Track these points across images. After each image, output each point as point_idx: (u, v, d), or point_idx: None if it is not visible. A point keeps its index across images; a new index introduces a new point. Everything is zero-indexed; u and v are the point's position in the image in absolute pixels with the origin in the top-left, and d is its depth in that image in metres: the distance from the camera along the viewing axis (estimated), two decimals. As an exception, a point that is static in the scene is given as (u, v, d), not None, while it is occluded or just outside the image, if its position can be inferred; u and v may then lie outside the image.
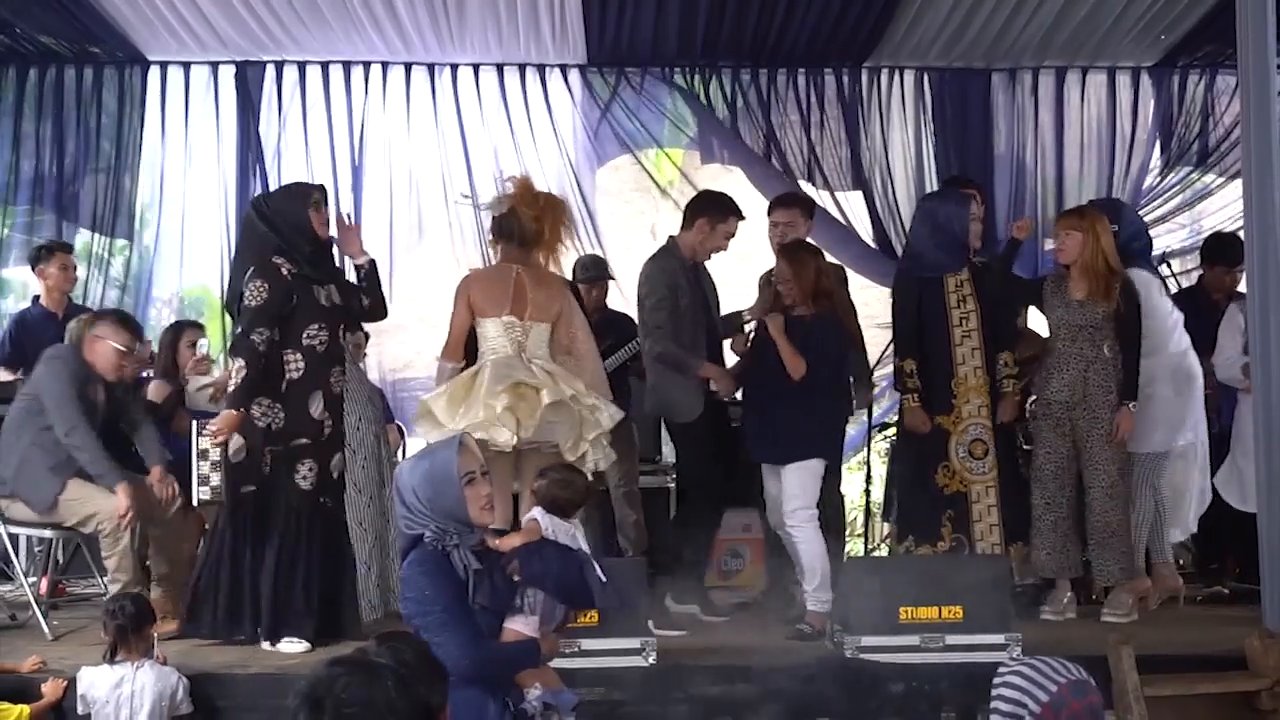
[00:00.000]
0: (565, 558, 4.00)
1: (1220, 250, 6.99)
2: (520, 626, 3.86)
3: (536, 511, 4.14)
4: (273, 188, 8.18)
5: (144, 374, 6.73)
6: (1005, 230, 8.39)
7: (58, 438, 5.71)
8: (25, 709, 4.80)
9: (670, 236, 6.39)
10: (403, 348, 8.25)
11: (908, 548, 6.08)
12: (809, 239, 6.63)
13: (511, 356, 5.49)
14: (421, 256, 8.27)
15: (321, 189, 5.93)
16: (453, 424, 5.23)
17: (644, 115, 8.45)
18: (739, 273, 7.08)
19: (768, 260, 6.55)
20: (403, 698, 2.34)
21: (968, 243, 6.11)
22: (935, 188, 8.40)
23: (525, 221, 5.61)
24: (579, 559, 4.03)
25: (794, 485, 5.86)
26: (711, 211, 6.26)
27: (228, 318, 7.84)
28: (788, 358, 5.81)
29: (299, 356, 5.52)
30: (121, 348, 5.91)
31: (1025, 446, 6.62)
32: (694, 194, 6.98)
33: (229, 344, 5.47)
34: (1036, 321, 6.87)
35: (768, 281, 6.43)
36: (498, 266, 5.73)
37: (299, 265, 5.55)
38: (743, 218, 6.34)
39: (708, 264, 6.44)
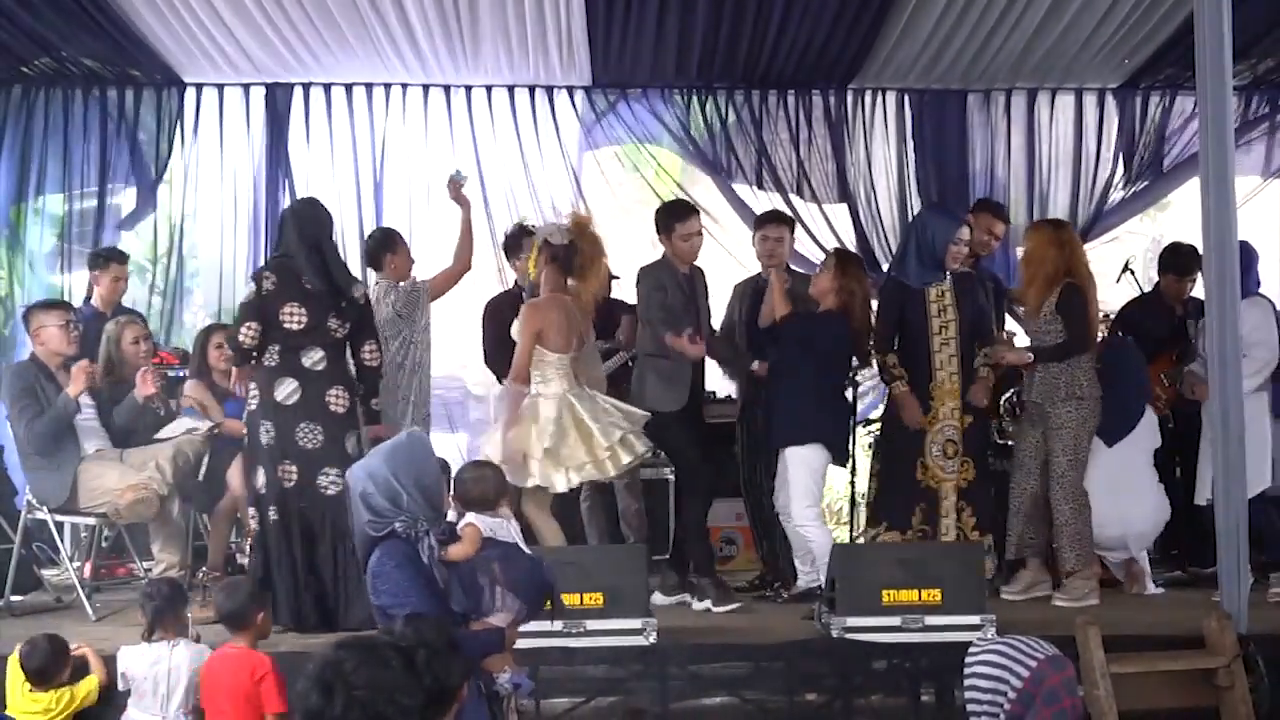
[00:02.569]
0: (533, 563, 3.98)
1: (1172, 260, 6.97)
2: (493, 621, 3.84)
3: (470, 515, 3.98)
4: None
5: (179, 373, 6.74)
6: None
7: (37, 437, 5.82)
8: (94, 679, 4.82)
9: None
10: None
11: (877, 534, 6.10)
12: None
13: (584, 393, 5.65)
14: (437, 265, 8.23)
15: None
16: (574, 463, 5.50)
17: (641, 133, 8.42)
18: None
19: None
20: (410, 676, 2.31)
21: (944, 261, 6.07)
22: (915, 200, 8.42)
23: (582, 256, 5.70)
24: (540, 562, 4.02)
25: (797, 483, 5.89)
26: (661, 223, 6.31)
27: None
28: (780, 304, 6.02)
29: None
30: (58, 324, 5.99)
31: (999, 441, 6.62)
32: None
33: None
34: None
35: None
36: (557, 299, 5.71)
37: None
38: (688, 215, 6.34)
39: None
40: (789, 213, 7.38)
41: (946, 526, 5.99)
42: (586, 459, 5.49)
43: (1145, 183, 8.57)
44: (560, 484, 5.50)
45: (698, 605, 5.98)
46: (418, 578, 3.61)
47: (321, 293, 5.50)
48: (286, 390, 5.49)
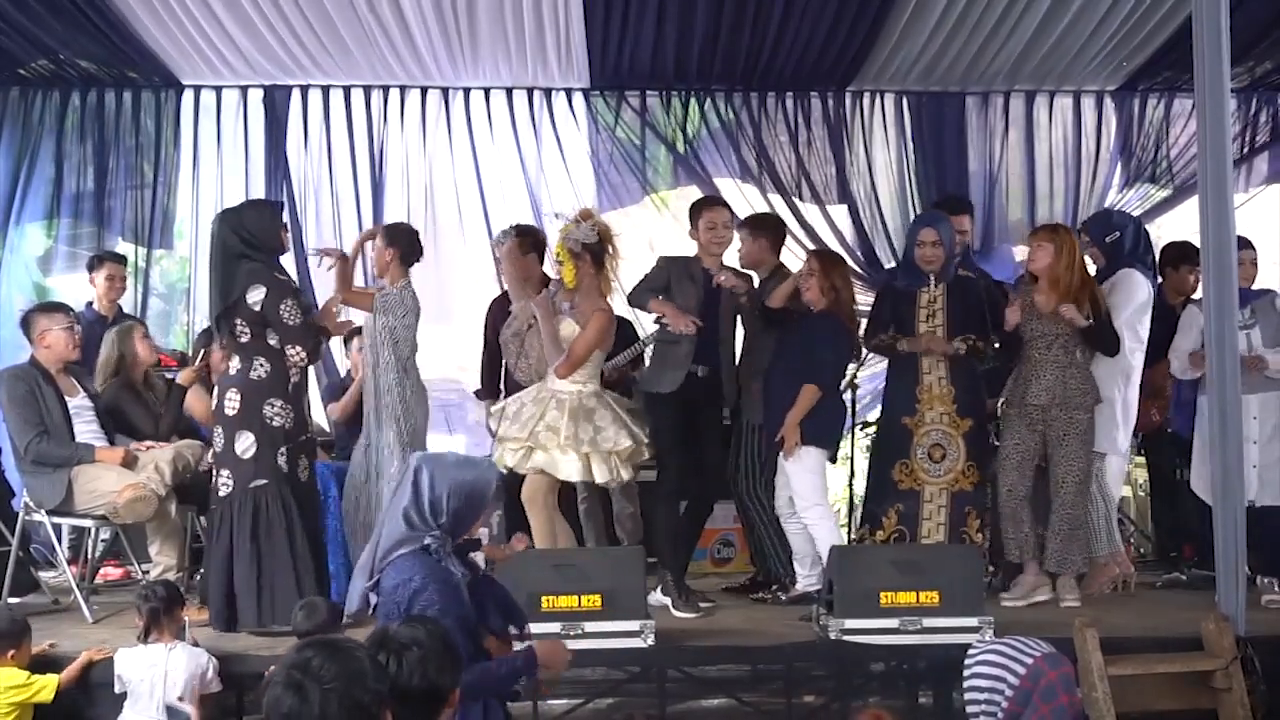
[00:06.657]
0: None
1: (1178, 254, 6.97)
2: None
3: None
4: (298, 203, 8.22)
5: (177, 375, 6.73)
6: (980, 239, 8.42)
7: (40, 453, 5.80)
8: (54, 678, 4.79)
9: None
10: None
11: (863, 535, 6.12)
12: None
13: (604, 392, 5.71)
14: (436, 267, 8.24)
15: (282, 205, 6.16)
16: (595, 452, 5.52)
17: (637, 132, 8.42)
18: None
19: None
20: (376, 663, 2.35)
21: (916, 265, 6.12)
22: (916, 201, 8.43)
23: (607, 253, 5.71)
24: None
25: (802, 485, 5.88)
26: (692, 215, 6.32)
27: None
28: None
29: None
30: (64, 326, 5.98)
31: (996, 444, 6.60)
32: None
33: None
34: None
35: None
36: (609, 305, 5.76)
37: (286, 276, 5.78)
38: (716, 204, 6.39)
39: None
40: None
41: (929, 529, 5.97)
42: (600, 452, 5.52)
43: (1165, 194, 8.56)
44: (566, 471, 5.48)
45: (655, 599, 5.86)
46: (459, 592, 3.58)
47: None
48: None
